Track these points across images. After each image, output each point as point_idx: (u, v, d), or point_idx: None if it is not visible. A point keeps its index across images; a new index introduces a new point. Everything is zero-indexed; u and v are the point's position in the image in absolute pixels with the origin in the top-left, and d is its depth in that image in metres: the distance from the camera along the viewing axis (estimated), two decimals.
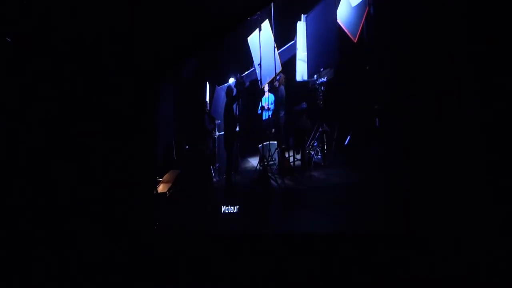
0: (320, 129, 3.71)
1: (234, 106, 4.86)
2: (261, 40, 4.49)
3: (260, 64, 4.50)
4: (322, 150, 3.70)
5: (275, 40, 4.30)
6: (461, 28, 2.60)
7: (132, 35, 5.18)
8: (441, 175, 2.59)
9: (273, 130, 4.42)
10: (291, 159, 4.04)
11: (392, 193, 2.90)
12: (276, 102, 4.45)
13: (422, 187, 2.69)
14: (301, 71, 4.03)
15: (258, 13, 4.57)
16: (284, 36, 4.24)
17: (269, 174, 4.21)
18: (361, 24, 3.32)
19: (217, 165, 5.24)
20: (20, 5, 4.31)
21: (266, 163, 4.28)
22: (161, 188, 5.78)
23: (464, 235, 2.42)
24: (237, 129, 4.90)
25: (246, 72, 4.80)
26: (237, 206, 4.47)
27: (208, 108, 5.47)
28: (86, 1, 4.33)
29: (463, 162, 2.49)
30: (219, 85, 5.30)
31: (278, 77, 4.30)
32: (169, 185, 5.72)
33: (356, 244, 3.04)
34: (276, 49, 4.26)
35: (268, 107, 4.54)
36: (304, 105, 3.94)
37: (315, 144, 3.75)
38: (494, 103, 2.38)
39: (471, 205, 2.41)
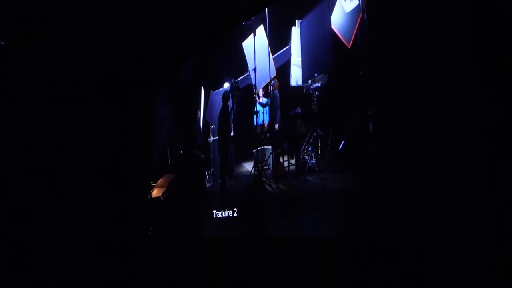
0: (314, 134, 3.73)
1: (229, 110, 4.87)
2: (256, 45, 4.51)
3: (254, 69, 4.51)
4: (317, 155, 3.71)
5: (270, 45, 4.32)
6: (455, 34, 2.63)
7: (127, 39, 5.18)
8: (436, 180, 2.61)
9: (267, 135, 4.43)
10: (286, 164, 4.05)
11: (386, 198, 2.92)
12: (270, 107, 4.46)
13: (417, 191, 2.70)
14: (296, 76, 4.04)
15: (253, 18, 4.60)
16: (278, 41, 4.26)
17: (264, 179, 4.21)
18: (355, 30, 3.35)
19: (211, 169, 5.23)
20: (14, 7, 4.30)
21: (260, 168, 4.28)
22: (155, 193, 5.76)
23: (461, 240, 2.44)
24: (232, 133, 4.91)
25: (241, 77, 4.81)
26: (232, 211, 4.47)
27: (203, 112, 5.48)
28: (78, 2, 4.32)
29: (459, 166, 2.51)
30: (213, 90, 5.31)
31: (273, 82, 4.31)
32: (163, 189, 5.71)
33: (350, 248, 3.05)
34: (271, 54, 4.28)
35: (263, 112, 4.55)
36: (299, 110, 3.95)
37: (309, 149, 3.76)
38: (490, 107, 2.41)
39: (467, 209, 2.43)
